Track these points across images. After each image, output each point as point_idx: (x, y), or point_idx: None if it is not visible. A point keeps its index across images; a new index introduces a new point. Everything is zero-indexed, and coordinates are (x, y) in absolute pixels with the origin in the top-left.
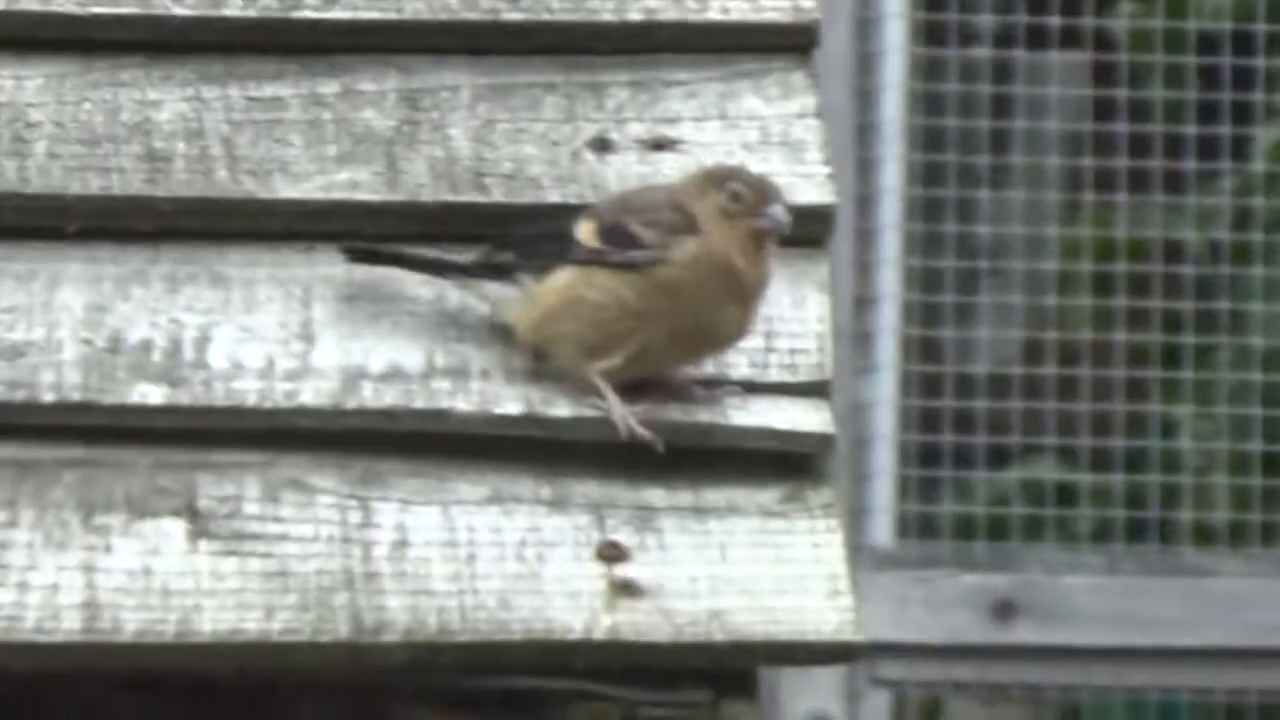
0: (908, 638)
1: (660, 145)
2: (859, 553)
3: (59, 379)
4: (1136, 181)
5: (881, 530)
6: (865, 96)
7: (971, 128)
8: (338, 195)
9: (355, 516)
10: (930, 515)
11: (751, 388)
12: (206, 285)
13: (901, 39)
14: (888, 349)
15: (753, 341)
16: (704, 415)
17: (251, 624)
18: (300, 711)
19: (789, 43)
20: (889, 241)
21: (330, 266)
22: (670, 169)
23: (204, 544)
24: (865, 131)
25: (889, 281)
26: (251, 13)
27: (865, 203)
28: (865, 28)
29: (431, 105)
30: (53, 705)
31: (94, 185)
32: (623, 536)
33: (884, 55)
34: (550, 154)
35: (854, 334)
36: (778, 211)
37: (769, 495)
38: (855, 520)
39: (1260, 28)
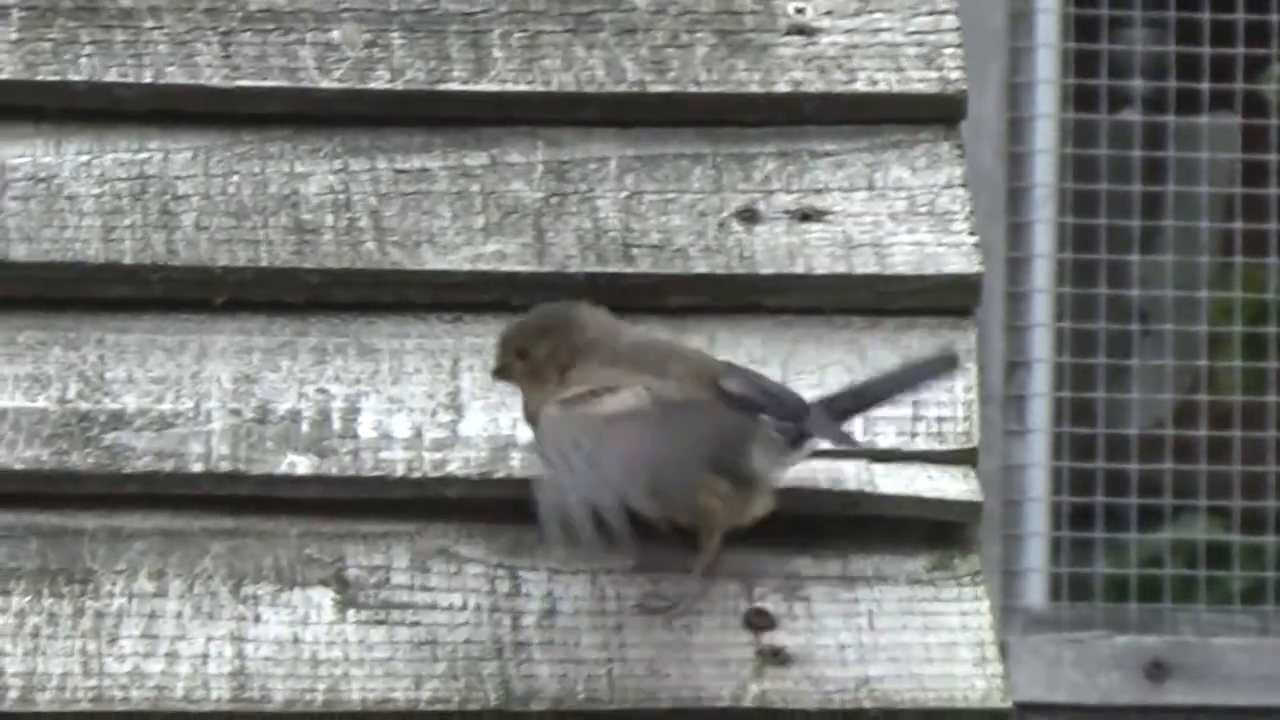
0: (1061, 698)
1: (808, 216)
2: (1012, 614)
3: (207, 449)
4: None
5: (1034, 591)
6: (1016, 161)
7: (1122, 192)
8: (485, 266)
9: (504, 585)
10: (1083, 576)
11: (899, 456)
12: (355, 356)
13: (1052, 104)
14: (1040, 412)
15: (900, 410)
16: (851, 484)
17: (400, 693)
18: None
19: (936, 114)
20: (1040, 305)
21: (478, 337)
22: (818, 239)
23: (352, 613)
24: (1016, 196)
25: (1041, 345)
26: (398, 85)
27: (1017, 267)
28: (1016, 93)
29: (579, 177)
30: None
31: (242, 257)
32: (771, 605)
33: (1035, 120)
34: (698, 225)
35: (1006, 397)
36: None
37: (917, 563)
38: (1008, 582)
39: None
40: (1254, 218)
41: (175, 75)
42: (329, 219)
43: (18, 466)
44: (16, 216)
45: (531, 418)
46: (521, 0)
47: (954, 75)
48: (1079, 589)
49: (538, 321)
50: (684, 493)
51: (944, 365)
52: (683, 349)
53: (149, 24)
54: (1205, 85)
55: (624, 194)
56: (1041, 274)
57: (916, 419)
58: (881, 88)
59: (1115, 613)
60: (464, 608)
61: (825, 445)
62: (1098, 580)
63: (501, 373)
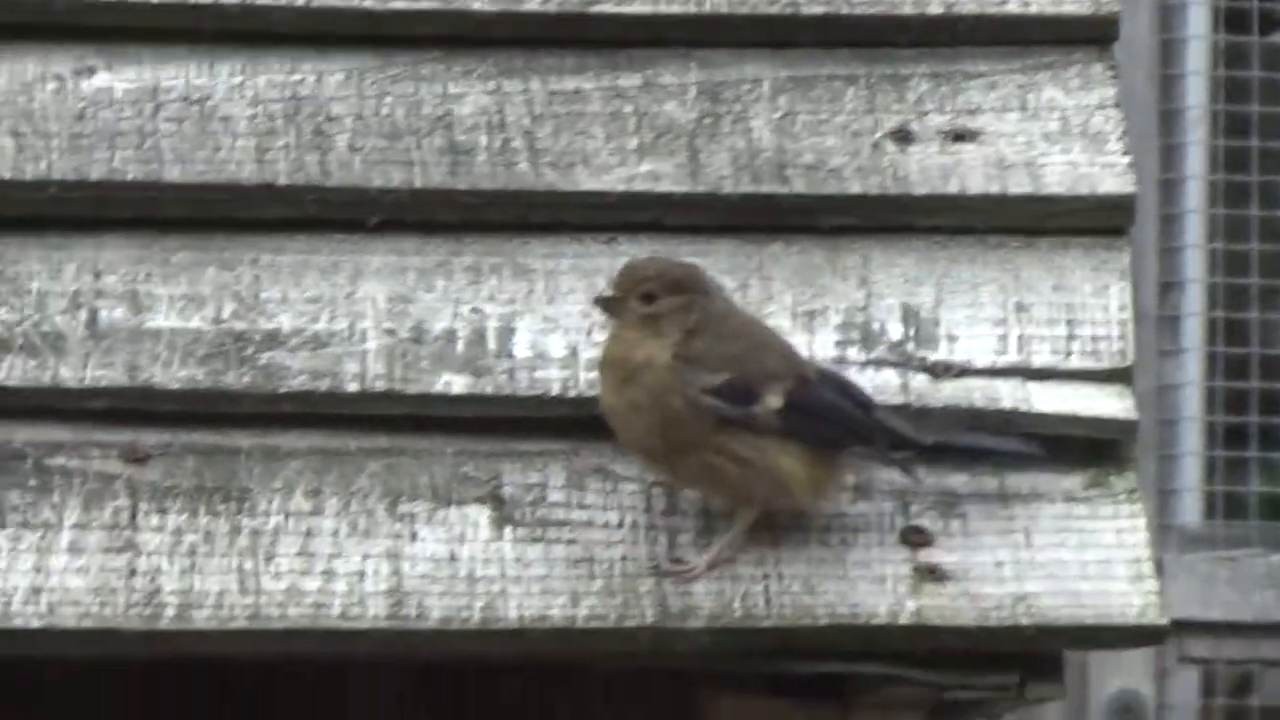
0: (1215, 616)
1: (961, 136)
2: (1166, 533)
3: (363, 369)
4: None
5: (1189, 510)
6: (1168, 83)
7: (1274, 113)
8: (640, 187)
9: (660, 503)
10: (1237, 495)
11: (1054, 374)
12: (509, 276)
13: (1204, 26)
14: (1193, 332)
15: (1055, 329)
16: (1007, 403)
17: (556, 610)
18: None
19: (1089, 35)
20: (1193, 226)
21: (632, 257)
22: (972, 160)
23: (509, 531)
24: (1168, 118)
25: (1194, 265)
26: (552, 7)
27: (1169, 189)
28: (1167, 15)
29: (733, 98)
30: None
31: (396, 178)
32: (927, 522)
33: (1186, 42)
34: (852, 145)
35: (1159, 317)
36: None
37: (1073, 481)
38: (1163, 501)
39: None
40: None
41: None
42: (483, 140)
43: (174, 386)
44: (170, 138)
45: (623, 362)
46: None
47: None
48: (1233, 507)
49: (675, 274)
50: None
51: (1019, 449)
52: (778, 337)
53: None
54: None
55: (778, 115)
56: (1194, 195)
57: (1071, 338)
58: (1034, 9)
59: (1270, 531)
60: (620, 525)
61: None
62: (1252, 499)
63: (612, 305)
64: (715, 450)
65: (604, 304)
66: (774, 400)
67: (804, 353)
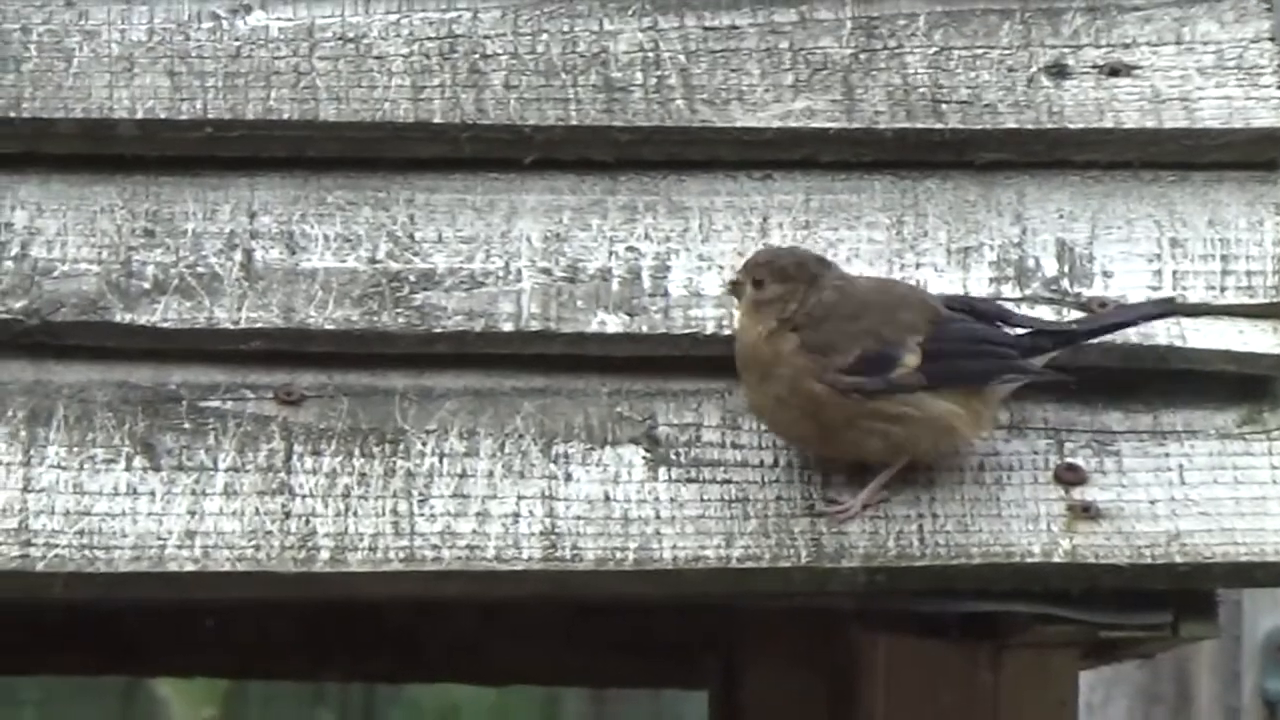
0: None
1: (1116, 71)
2: None
3: (518, 308)
4: None
5: None
6: None
7: None
8: (795, 123)
9: None
10: None
11: (1208, 310)
12: (664, 214)
13: None
14: None
15: (1209, 264)
16: (1161, 339)
17: (711, 550)
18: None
19: None
20: None
21: (787, 194)
22: (1126, 94)
23: (663, 471)
24: None
25: None
26: None
27: None
28: None
29: (888, 33)
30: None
31: (551, 116)
32: (1081, 460)
33: None
34: (1007, 80)
35: None
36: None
37: (1227, 417)
38: None
39: None
40: None
41: None
42: (638, 77)
43: (328, 326)
44: (325, 76)
45: (751, 356)
46: None
47: None
48: None
49: (787, 262)
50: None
51: (1161, 307)
52: (903, 293)
53: None
54: None
55: (933, 50)
56: None
57: (1226, 273)
58: None
59: None
60: (775, 465)
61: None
62: None
63: (733, 288)
64: (873, 417)
65: (728, 288)
66: (911, 359)
67: (959, 289)
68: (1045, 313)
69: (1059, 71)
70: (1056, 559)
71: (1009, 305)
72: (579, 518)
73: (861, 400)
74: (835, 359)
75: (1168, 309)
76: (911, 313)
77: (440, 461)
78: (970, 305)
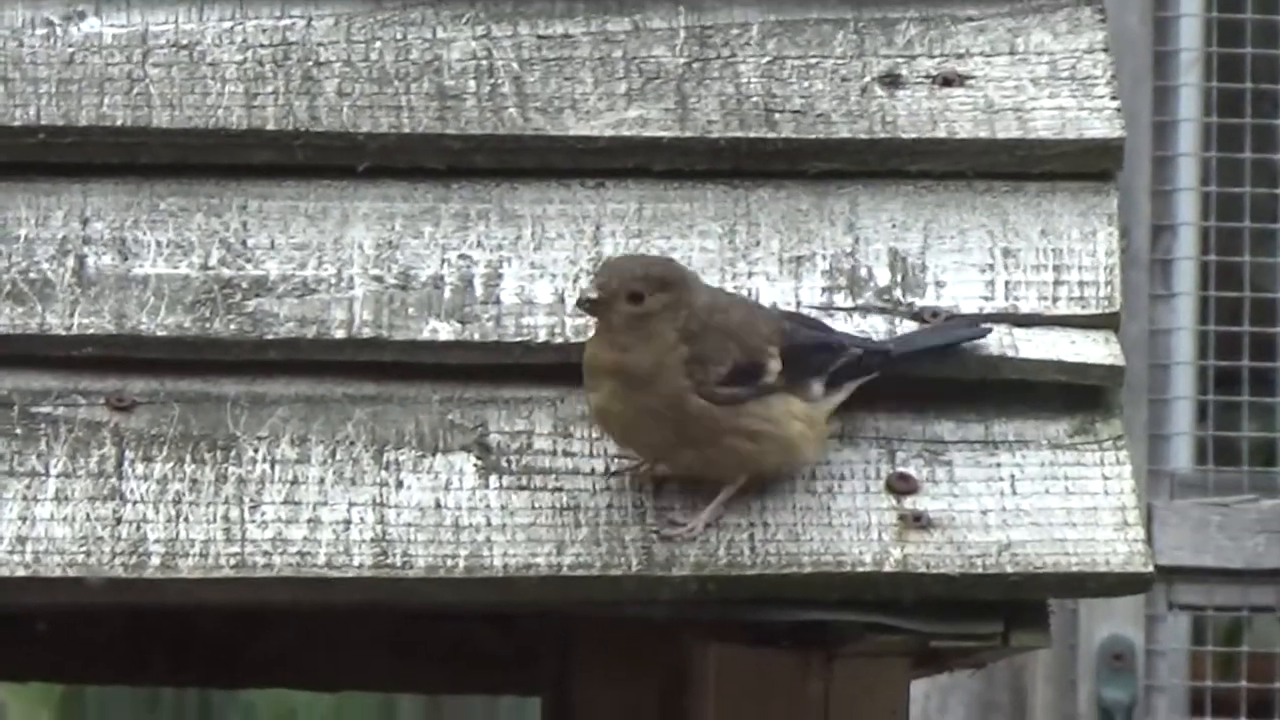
0: (1208, 563)
1: (949, 81)
2: (1158, 479)
3: (350, 315)
4: None
5: (1181, 456)
6: (1162, 25)
7: (1268, 55)
8: (628, 132)
9: None
10: (1229, 440)
11: (1041, 320)
12: (497, 222)
13: None
14: (1186, 275)
15: (1041, 275)
16: (994, 348)
17: (542, 558)
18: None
19: None
20: (1186, 169)
21: (620, 203)
22: (960, 104)
23: (495, 479)
24: (1162, 60)
25: (1187, 209)
26: None
27: (1162, 131)
28: None
29: (722, 42)
30: None
31: (384, 123)
32: (913, 469)
33: None
34: (840, 90)
35: (1152, 261)
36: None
37: (1059, 427)
38: (1154, 446)
39: None
40: None
41: None
42: (471, 85)
43: (160, 333)
44: (159, 83)
45: (624, 369)
46: None
47: None
48: (1225, 453)
49: (658, 270)
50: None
51: (974, 330)
52: (750, 303)
53: None
54: None
55: (766, 59)
56: (1187, 138)
57: (1058, 283)
58: None
59: (1262, 476)
60: (606, 473)
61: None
62: (1244, 444)
63: (597, 306)
64: (734, 434)
65: (588, 306)
66: (774, 364)
67: (790, 298)
68: (878, 322)
69: (892, 81)
70: (887, 568)
71: (841, 315)
72: (410, 525)
73: (732, 413)
74: (713, 370)
75: (979, 333)
76: (765, 324)
77: (272, 468)
78: (802, 319)
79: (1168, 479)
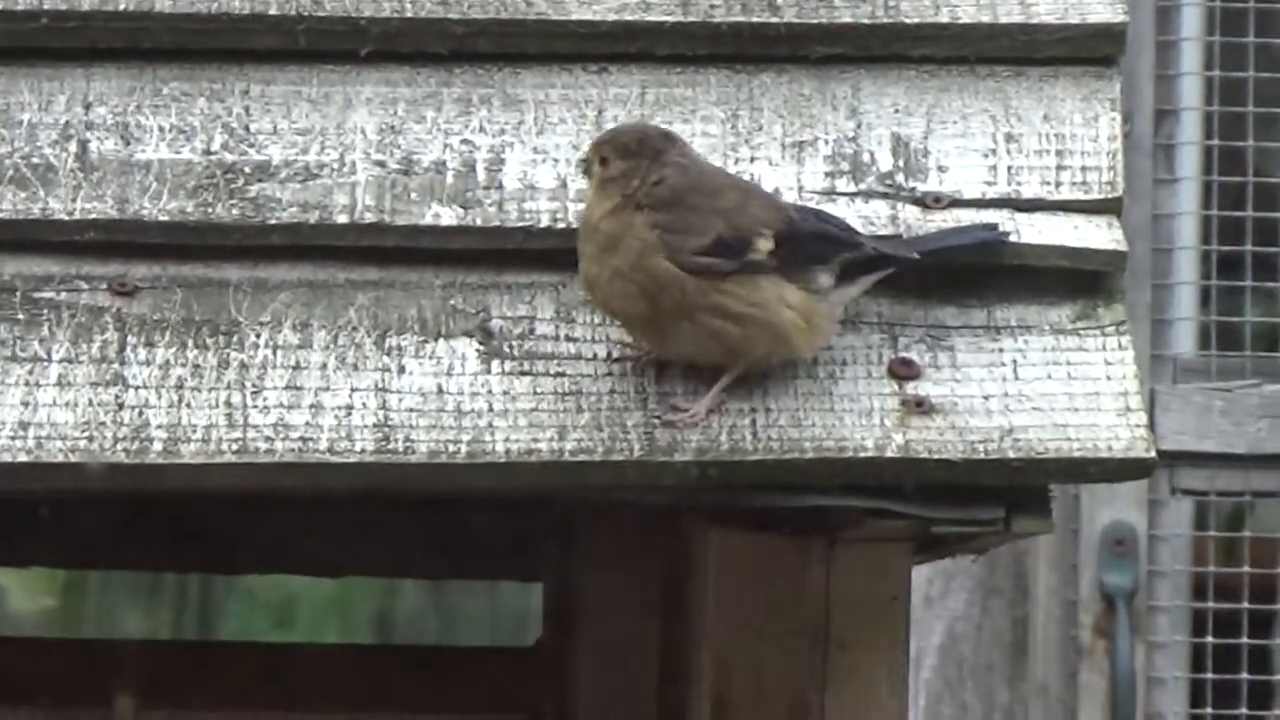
0: (1210, 448)
1: None
2: (1161, 363)
3: (352, 200)
4: None
5: (1183, 341)
6: None
7: None
8: (630, 16)
9: None
10: (1232, 325)
11: (1043, 205)
12: (499, 107)
13: None
14: (1189, 160)
15: (1044, 160)
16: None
17: (544, 444)
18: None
19: None
20: (1190, 53)
21: (622, 87)
22: None
23: (497, 364)
24: None
25: (1190, 93)
26: None
27: (1165, 15)
28: None
29: None
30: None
31: (386, 8)
32: (915, 355)
33: None
34: None
35: (1155, 145)
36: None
37: (1061, 313)
38: (1157, 331)
39: None
40: None
41: None
42: None
43: (162, 218)
44: None
45: (593, 230)
46: None
47: None
48: (1228, 338)
49: (629, 139)
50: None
51: (992, 233)
52: (754, 190)
53: None
54: None
55: None
56: (1190, 22)
57: (1061, 169)
58: None
59: (1264, 362)
60: (608, 359)
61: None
62: (1247, 329)
63: (582, 167)
64: (712, 312)
65: (581, 167)
66: (764, 244)
67: (793, 183)
68: (881, 207)
69: None
70: (889, 454)
71: (843, 200)
72: (412, 410)
73: (708, 286)
74: (690, 240)
75: (998, 235)
76: (762, 208)
77: (274, 354)
78: (820, 215)
79: (1170, 364)
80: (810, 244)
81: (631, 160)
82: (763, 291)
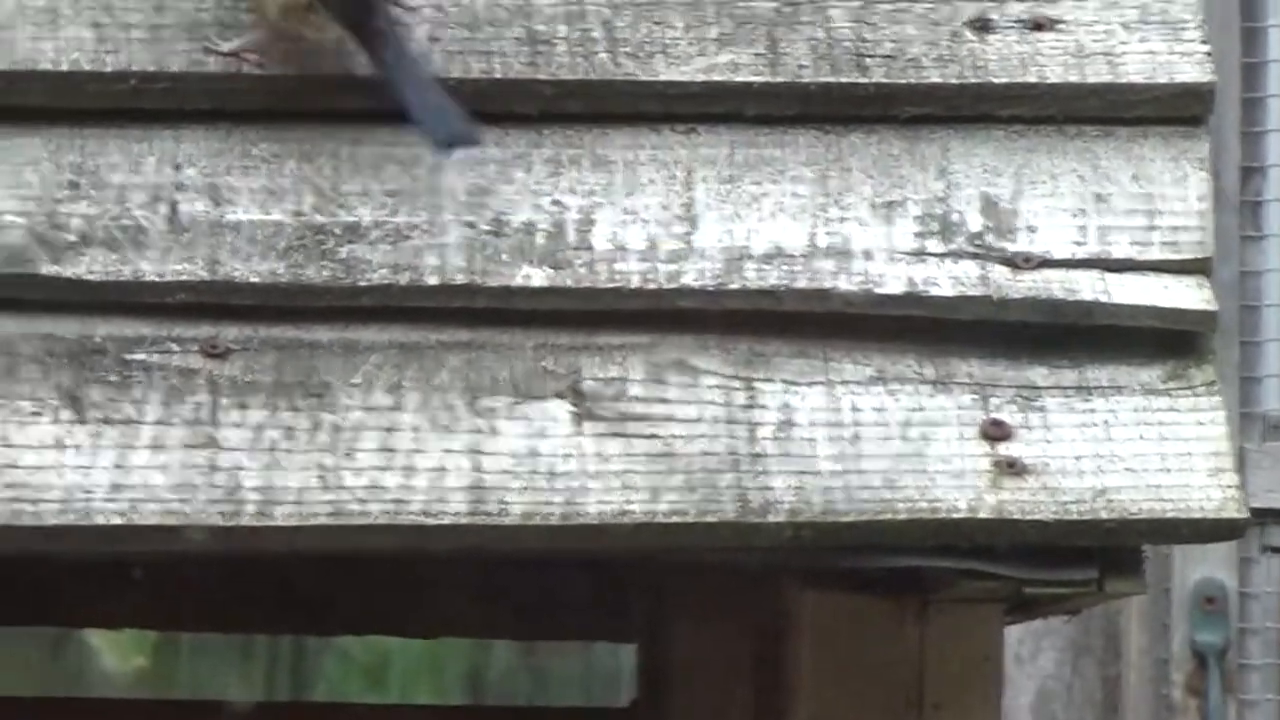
0: None
1: (1040, 25)
2: (1250, 421)
3: (443, 262)
4: None
5: (1272, 397)
6: None
7: None
8: (718, 77)
9: (740, 398)
10: None
11: (1133, 265)
12: (589, 168)
13: None
14: (1276, 216)
15: (1134, 220)
16: (1086, 294)
17: (637, 505)
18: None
19: None
20: (1276, 110)
21: (711, 148)
22: (1050, 49)
23: (589, 426)
24: (1251, 1)
25: (1276, 150)
26: None
27: (1252, 73)
28: None
29: None
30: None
31: (475, 69)
32: (1006, 415)
33: None
34: (931, 34)
35: (1242, 202)
36: None
37: (1152, 373)
38: (1246, 388)
39: None
40: None
41: None
42: (562, 29)
43: (254, 279)
44: None
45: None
46: None
47: None
48: None
49: None
50: None
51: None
52: None
53: None
54: None
55: (857, 3)
56: (1276, 79)
57: (1151, 229)
58: None
59: None
60: (700, 420)
61: None
62: None
63: None
64: None
65: None
66: None
67: (883, 244)
68: (971, 268)
69: (983, 25)
70: (982, 515)
71: (933, 260)
72: (505, 472)
73: None
74: None
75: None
76: None
77: (366, 415)
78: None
79: (1259, 421)
80: None
81: None
82: None
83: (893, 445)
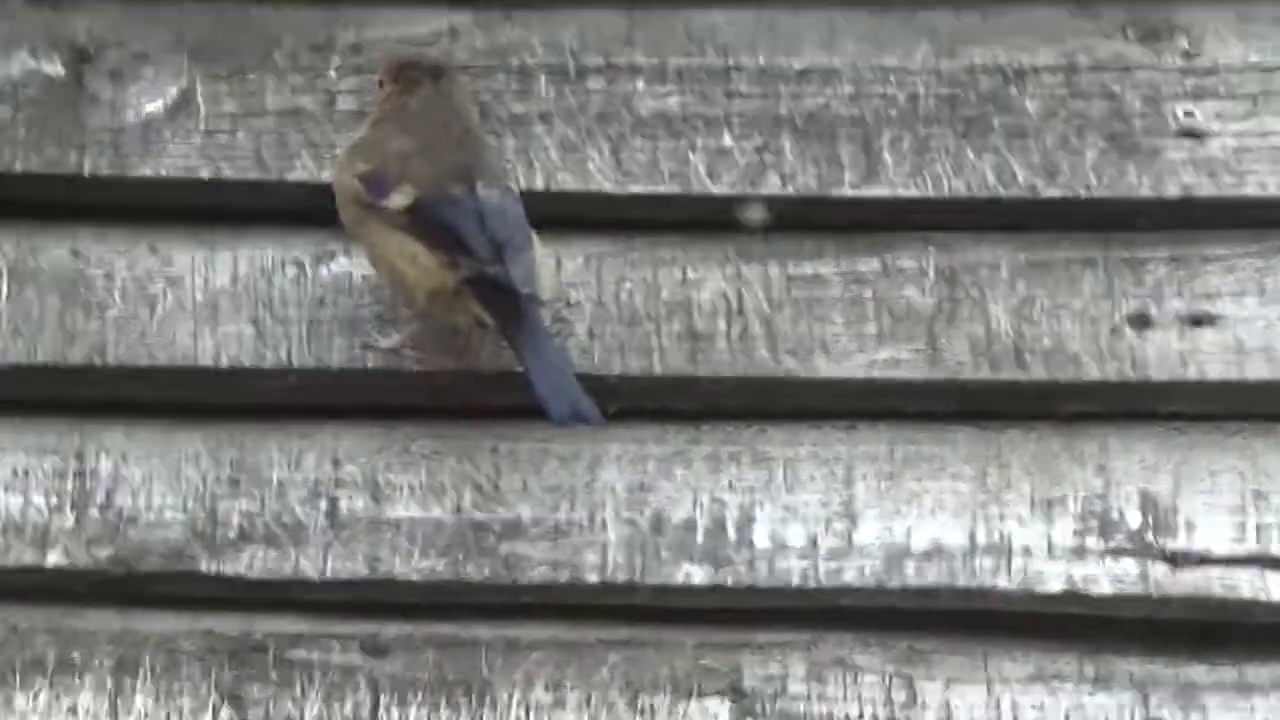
0: None
1: (1199, 321)
2: None
3: (603, 559)
4: None
5: None
6: None
7: None
8: (879, 374)
9: (900, 695)
10: None
11: None
12: (749, 464)
13: None
14: None
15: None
16: (1246, 591)
17: None
18: None
19: None
20: None
21: (871, 445)
22: (1210, 345)
23: None
24: None
25: None
26: (790, 190)
27: None
28: None
29: (970, 282)
30: None
31: (635, 366)
32: (1166, 714)
33: None
34: (1090, 331)
35: None
36: None
37: None
38: None
39: None
40: None
41: (567, 181)
42: (721, 325)
43: (414, 577)
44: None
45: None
46: (910, 104)
47: None
48: None
49: (394, 64)
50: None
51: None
52: (464, 146)
53: (539, 129)
54: None
55: (1015, 300)
56: None
57: None
58: (1272, 191)
59: None
60: (861, 717)
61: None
62: None
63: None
64: (364, 234)
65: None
66: (401, 199)
67: (1042, 541)
68: (1130, 565)
69: (1142, 322)
70: None
71: (1093, 557)
72: None
73: (365, 214)
74: (359, 164)
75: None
76: (442, 169)
77: (526, 713)
78: (484, 214)
79: None
80: (436, 229)
81: (392, 84)
82: (392, 233)
83: None
